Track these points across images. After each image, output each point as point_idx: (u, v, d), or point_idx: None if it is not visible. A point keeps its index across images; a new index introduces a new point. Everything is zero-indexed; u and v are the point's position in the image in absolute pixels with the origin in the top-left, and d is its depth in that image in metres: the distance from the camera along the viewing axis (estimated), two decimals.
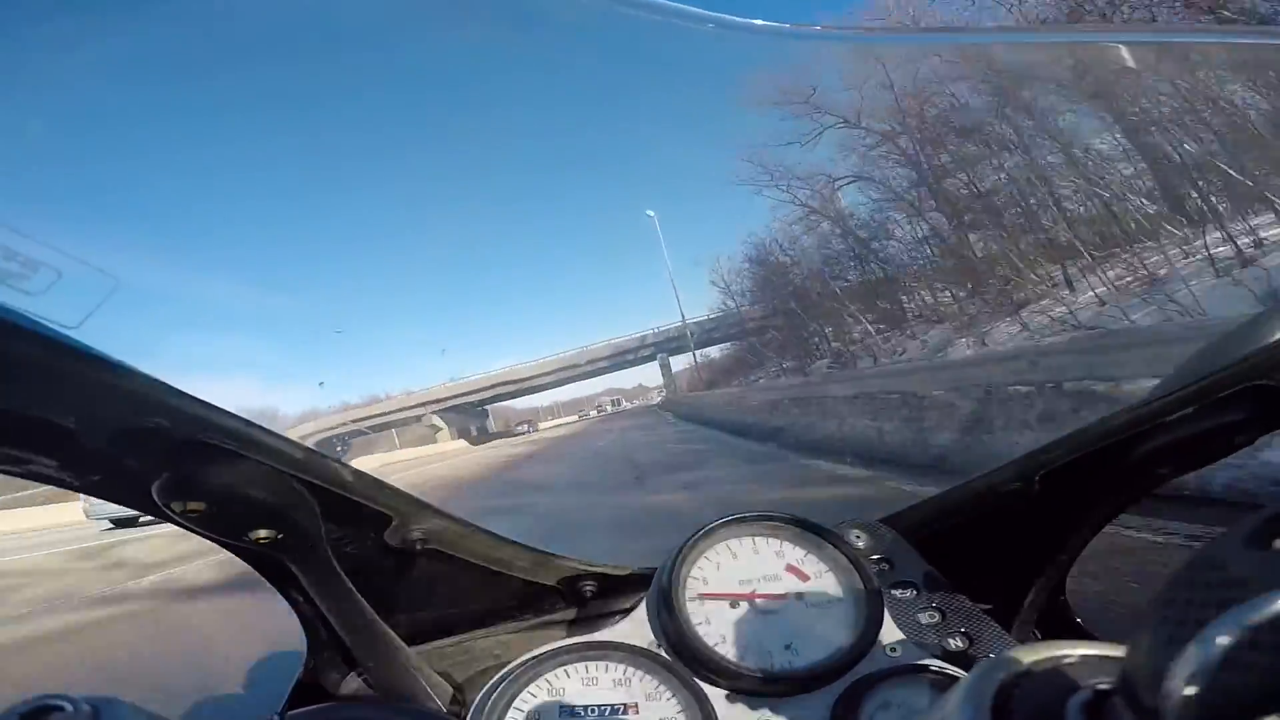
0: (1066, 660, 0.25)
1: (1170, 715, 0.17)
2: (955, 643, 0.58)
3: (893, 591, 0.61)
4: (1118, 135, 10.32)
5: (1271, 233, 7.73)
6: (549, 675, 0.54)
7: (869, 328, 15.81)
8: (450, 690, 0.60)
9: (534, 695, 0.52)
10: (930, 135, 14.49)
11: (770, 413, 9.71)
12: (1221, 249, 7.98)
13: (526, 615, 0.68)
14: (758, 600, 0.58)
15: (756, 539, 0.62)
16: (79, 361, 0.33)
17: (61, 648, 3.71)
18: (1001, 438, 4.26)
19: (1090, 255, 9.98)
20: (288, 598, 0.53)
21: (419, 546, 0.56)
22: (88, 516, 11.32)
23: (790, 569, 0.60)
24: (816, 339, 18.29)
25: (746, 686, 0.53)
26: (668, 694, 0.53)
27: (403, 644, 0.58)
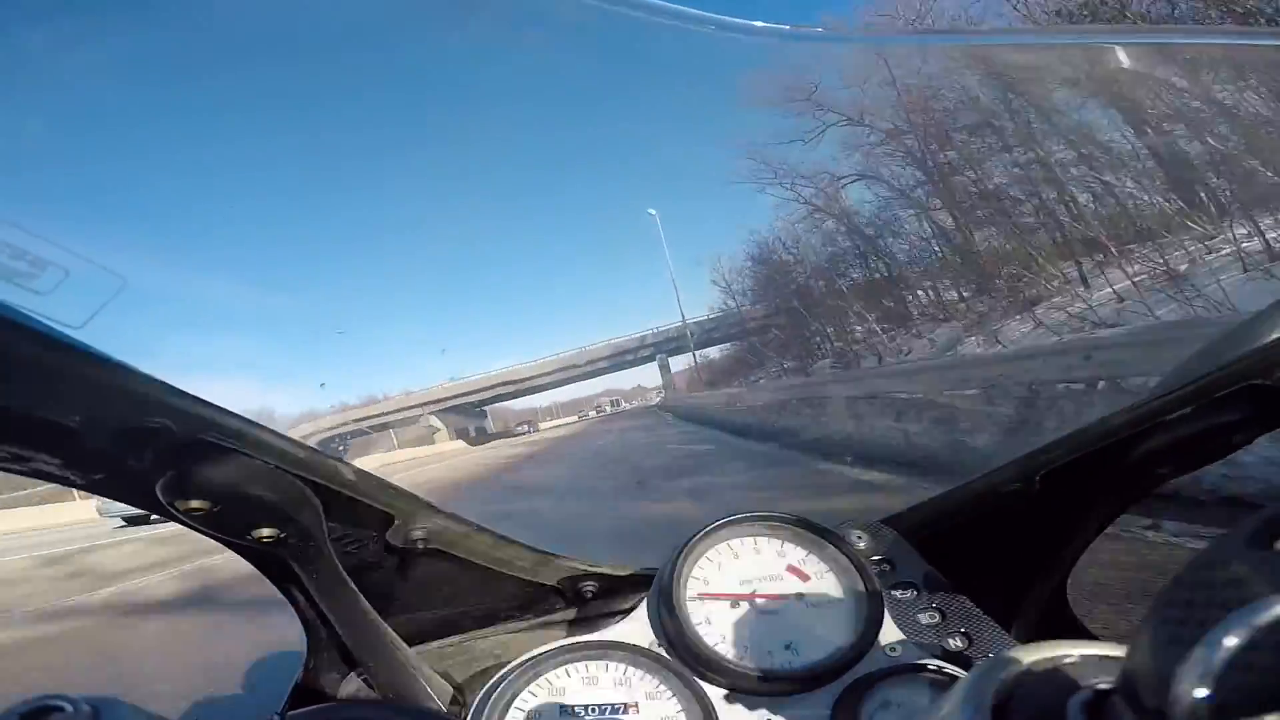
0: (1067, 660, 0.26)
1: (1178, 717, 0.17)
2: (955, 643, 0.58)
3: (893, 592, 0.62)
4: (1127, 134, 10.24)
5: None
6: (549, 675, 0.54)
7: (874, 326, 15.71)
8: (450, 690, 0.60)
9: (534, 695, 0.52)
10: (935, 132, 14.38)
11: (779, 414, 9.61)
12: (1249, 244, 7.83)
13: (527, 615, 0.68)
14: (758, 600, 0.58)
15: (758, 539, 0.62)
16: (83, 361, 0.33)
17: (62, 648, 3.71)
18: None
19: (1112, 250, 9.70)
20: (289, 597, 0.53)
21: (421, 546, 0.56)
22: (100, 515, 11.32)
23: (791, 569, 0.60)
24: (819, 338, 18.21)
25: (746, 686, 0.53)
26: (668, 693, 0.53)
27: (403, 644, 0.58)
